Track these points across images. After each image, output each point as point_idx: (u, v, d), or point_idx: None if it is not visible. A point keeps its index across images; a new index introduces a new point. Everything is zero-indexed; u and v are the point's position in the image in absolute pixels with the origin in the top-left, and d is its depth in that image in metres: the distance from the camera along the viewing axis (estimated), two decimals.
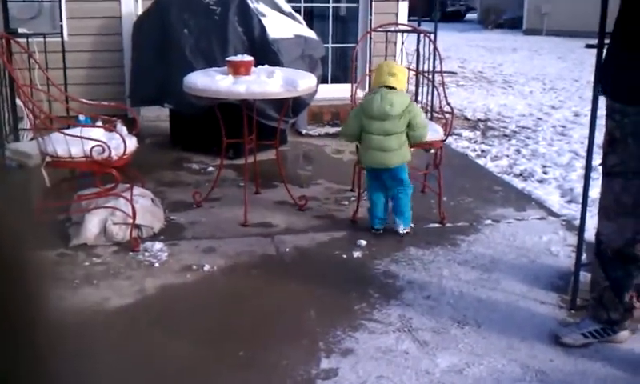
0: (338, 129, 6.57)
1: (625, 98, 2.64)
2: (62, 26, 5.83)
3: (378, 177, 3.99)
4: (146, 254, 3.66)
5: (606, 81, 2.76)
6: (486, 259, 3.74)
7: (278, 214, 4.32)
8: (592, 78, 3.05)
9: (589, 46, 15.29)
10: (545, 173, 5.68)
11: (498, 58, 15.07)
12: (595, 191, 4.96)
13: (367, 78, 6.35)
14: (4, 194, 0.35)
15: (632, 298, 2.89)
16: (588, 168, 3.17)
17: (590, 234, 3.53)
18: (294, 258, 3.73)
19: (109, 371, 2.11)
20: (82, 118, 4.43)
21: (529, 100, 9.41)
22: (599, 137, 6.58)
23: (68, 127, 3.91)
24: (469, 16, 29.92)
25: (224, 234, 4.00)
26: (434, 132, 4.21)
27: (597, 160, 5.57)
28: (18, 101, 5.10)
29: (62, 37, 5.76)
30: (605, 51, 2.80)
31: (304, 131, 6.51)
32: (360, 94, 5.33)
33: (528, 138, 7.00)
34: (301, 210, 4.39)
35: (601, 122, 7.17)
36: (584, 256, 3.29)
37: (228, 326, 2.97)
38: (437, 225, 4.22)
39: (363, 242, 3.88)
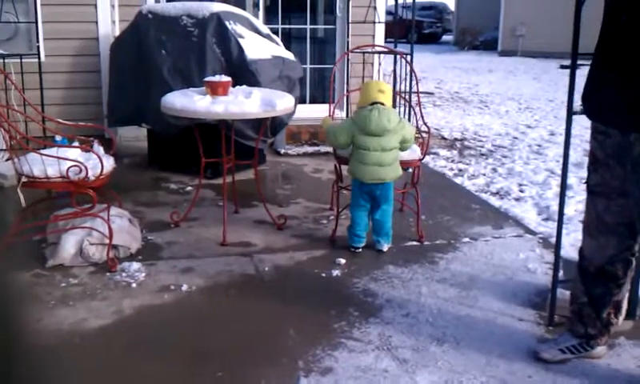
0: (317, 148, 6.61)
1: (605, 118, 2.64)
2: (38, 47, 5.81)
3: (367, 193, 4.00)
4: (124, 274, 3.63)
5: (587, 101, 2.76)
6: (464, 277, 3.76)
7: (257, 233, 4.32)
8: (566, 98, 3.09)
9: (563, 67, 15.55)
10: (521, 191, 5.75)
11: (474, 78, 15.24)
12: (571, 208, 5.06)
13: (345, 98, 6.40)
14: None
15: (610, 315, 2.91)
16: (563, 186, 3.21)
17: (566, 251, 3.58)
18: (273, 277, 3.72)
19: None
20: (58, 138, 4.40)
21: (505, 119, 9.53)
22: (574, 155, 6.67)
23: (44, 147, 3.88)
24: (445, 38, 30.28)
25: (202, 253, 3.98)
26: (411, 151, 4.25)
27: (571, 178, 5.67)
28: None
29: (38, 58, 5.74)
30: (588, 72, 2.82)
31: (282, 151, 6.52)
32: (338, 114, 5.37)
33: (504, 156, 7.07)
34: (280, 229, 4.38)
35: (575, 141, 7.24)
36: (561, 273, 3.32)
37: (206, 347, 2.95)
38: (415, 243, 4.24)
39: (342, 261, 3.89)
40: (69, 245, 3.71)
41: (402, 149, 4.04)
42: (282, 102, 4.20)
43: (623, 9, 2.49)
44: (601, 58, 2.66)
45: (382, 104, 3.94)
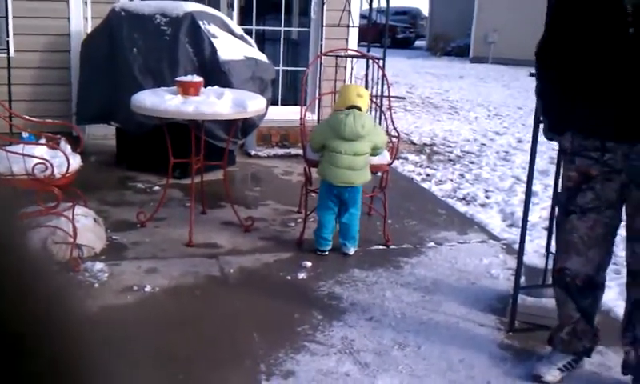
0: (287, 150, 6.62)
1: (604, 133, 2.62)
2: (8, 42, 5.74)
3: (336, 196, 4.03)
4: (86, 274, 3.60)
5: (584, 120, 2.71)
6: (428, 281, 3.80)
7: (223, 235, 4.32)
8: (534, 106, 3.14)
9: (532, 75, 15.75)
10: (487, 197, 5.82)
11: (445, 84, 15.38)
12: (535, 215, 5.14)
13: (317, 101, 6.43)
14: None
15: (597, 323, 2.93)
16: (528, 193, 3.27)
17: (529, 257, 3.64)
18: (239, 279, 3.73)
19: None
20: (25, 135, 4.35)
21: (474, 126, 9.63)
22: (540, 163, 6.77)
23: (10, 144, 3.84)
24: (418, 43, 30.46)
25: (168, 254, 3.98)
26: (381, 156, 4.29)
27: (537, 185, 5.76)
28: None
29: (7, 53, 5.67)
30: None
31: (253, 152, 6.52)
32: (309, 116, 5.38)
33: (472, 162, 7.16)
34: (247, 231, 4.39)
35: (541, 148, 7.37)
36: (522, 279, 3.38)
37: (169, 348, 2.95)
38: (381, 247, 4.28)
39: (308, 264, 3.91)
40: (32, 243, 3.67)
41: (373, 154, 4.08)
42: (254, 104, 4.22)
43: (630, 23, 2.50)
44: (602, 75, 2.62)
45: (359, 109, 3.97)
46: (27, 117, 4.19)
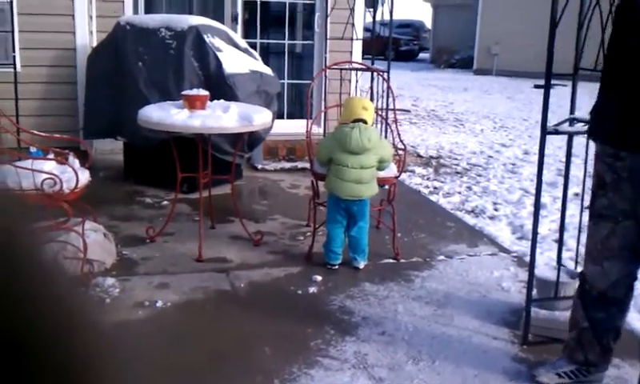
0: (294, 164, 6.62)
1: (617, 141, 2.63)
2: (14, 57, 5.75)
3: (344, 209, 4.01)
4: (97, 289, 3.58)
5: (596, 125, 2.75)
6: (439, 295, 3.77)
7: (233, 249, 4.30)
8: (540, 118, 3.12)
9: (537, 87, 15.74)
10: (496, 210, 5.80)
11: (450, 96, 15.39)
12: (545, 228, 5.11)
13: (322, 114, 6.42)
14: None
15: (609, 341, 2.85)
16: (537, 205, 3.24)
17: (540, 269, 3.61)
18: (249, 293, 3.70)
19: None
20: (33, 150, 4.35)
21: (480, 138, 9.62)
22: (547, 175, 6.74)
23: (19, 159, 3.83)
24: (422, 55, 30.55)
25: (178, 269, 3.95)
26: (387, 169, 4.27)
27: (545, 198, 5.74)
28: None
29: (14, 67, 5.68)
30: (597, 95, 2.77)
31: (260, 166, 6.51)
32: (315, 129, 5.38)
33: (479, 175, 7.14)
34: (256, 245, 4.37)
35: (549, 160, 7.30)
36: (534, 292, 3.35)
37: (181, 363, 2.92)
38: (391, 260, 4.25)
39: (318, 278, 3.88)
40: (51, 255, 3.65)
41: (380, 168, 4.06)
42: (260, 117, 4.21)
43: (633, 33, 2.52)
44: (611, 81, 2.66)
45: (365, 122, 3.96)
46: (35, 131, 4.18)
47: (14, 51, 5.77)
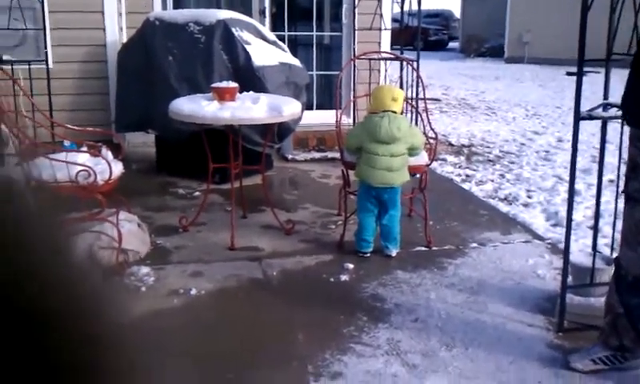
0: (324, 154, 6.62)
1: None
2: (46, 53, 5.83)
3: (375, 197, 4.00)
4: (132, 278, 3.63)
5: (628, 108, 2.72)
6: (472, 282, 3.74)
7: (264, 238, 4.32)
8: (573, 105, 3.07)
9: (569, 74, 15.54)
10: (529, 197, 5.73)
11: (481, 85, 15.24)
12: (579, 214, 5.04)
13: (352, 104, 6.40)
14: None
15: None
16: (571, 191, 3.19)
17: (575, 256, 3.56)
18: (281, 281, 3.72)
19: None
20: (67, 143, 4.41)
21: (512, 126, 9.52)
22: (581, 161, 6.64)
23: (53, 152, 3.89)
24: (451, 45, 30.29)
25: (211, 258, 3.98)
26: (418, 157, 4.24)
27: (579, 184, 5.66)
28: (2, 127, 5.07)
29: (46, 64, 5.76)
30: (627, 79, 2.73)
31: (290, 156, 6.53)
32: (345, 120, 5.37)
33: (512, 162, 7.06)
34: (288, 233, 4.38)
35: (582, 147, 7.18)
36: (570, 278, 3.31)
37: (215, 350, 2.94)
38: (423, 248, 4.23)
39: (350, 266, 3.88)
40: (79, 249, 3.71)
41: (411, 155, 4.04)
42: (289, 108, 4.21)
43: None
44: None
45: (394, 112, 3.95)
46: (68, 125, 4.24)
47: (45, 48, 5.85)
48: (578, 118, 3.07)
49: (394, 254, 4.06)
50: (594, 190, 3.96)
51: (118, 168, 3.80)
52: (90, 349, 0.35)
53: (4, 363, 0.30)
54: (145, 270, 3.71)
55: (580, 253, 4.00)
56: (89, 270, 0.41)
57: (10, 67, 5.23)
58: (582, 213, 5.14)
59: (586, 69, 3.02)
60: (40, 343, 0.32)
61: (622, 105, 2.76)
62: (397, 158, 3.93)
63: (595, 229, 3.56)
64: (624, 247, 2.77)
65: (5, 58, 5.47)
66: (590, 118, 3.17)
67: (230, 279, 3.68)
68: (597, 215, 3.51)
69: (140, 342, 0.41)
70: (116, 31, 6.38)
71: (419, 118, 5.71)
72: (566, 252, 3.24)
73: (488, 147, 7.88)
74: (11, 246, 0.33)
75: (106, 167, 3.67)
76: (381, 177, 3.93)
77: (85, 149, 4.01)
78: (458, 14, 30.99)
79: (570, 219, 3.23)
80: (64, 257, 0.38)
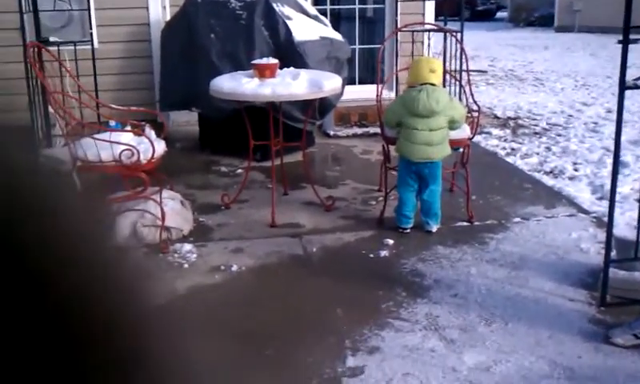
0: (366, 129, 6.59)
1: None
2: (91, 34, 5.93)
3: (415, 172, 3.98)
4: (176, 255, 3.71)
5: None
6: (514, 257, 3.71)
7: (305, 215, 4.35)
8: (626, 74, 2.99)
9: (621, 42, 15.06)
10: (576, 170, 5.61)
11: (529, 55, 14.91)
12: (627, 187, 4.93)
13: (394, 77, 6.35)
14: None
15: None
16: (615, 164, 3.13)
17: (620, 229, 3.49)
18: (321, 257, 3.75)
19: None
20: (112, 123, 4.50)
21: (560, 97, 9.31)
22: (631, 132, 6.47)
23: (98, 132, 3.98)
24: (499, 14, 29.65)
25: (252, 234, 4.04)
26: (461, 130, 4.20)
27: (628, 156, 5.52)
28: (49, 108, 5.20)
29: (92, 44, 5.86)
30: None
31: (331, 132, 6.52)
32: (387, 94, 5.33)
33: (559, 135, 6.92)
34: (328, 210, 4.40)
35: (634, 117, 7.00)
36: (613, 252, 3.25)
37: (255, 325, 3.00)
38: (465, 223, 4.20)
39: (390, 242, 3.88)
40: (123, 227, 3.81)
41: (452, 128, 4.00)
42: (329, 83, 4.21)
43: None
44: None
45: (433, 84, 3.90)
46: (113, 105, 4.32)
47: (90, 28, 5.95)
48: (624, 87, 3.00)
49: (434, 229, 4.04)
50: None
51: (160, 147, 3.86)
52: (133, 338, 0.36)
53: (43, 358, 0.30)
54: (187, 247, 3.79)
55: (626, 226, 3.91)
56: (130, 250, 0.42)
57: (56, 49, 5.33)
58: (631, 185, 5.02)
59: (635, 36, 2.94)
60: (85, 337, 0.32)
61: None
62: (436, 131, 3.89)
63: None
64: None
65: (51, 39, 5.59)
66: (636, 87, 3.09)
67: (271, 256, 3.72)
68: None
69: (179, 321, 0.42)
70: (159, 10, 6.45)
71: (462, 91, 5.64)
72: (609, 225, 3.19)
73: (535, 119, 7.73)
74: (55, 229, 0.35)
75: (149, 146, 3.74)
76: (421, 151, 3.90)
77: (128, 128, 4.10)
78: None
79: (614, 191, 3.17)
80: (105, 240, 0.40)
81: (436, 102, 3.83)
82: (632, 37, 2.98)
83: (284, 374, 2.66)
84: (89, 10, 5.89)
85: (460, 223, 4.21)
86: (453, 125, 3.98)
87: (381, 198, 4.45)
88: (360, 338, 2.87)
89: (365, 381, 2.59)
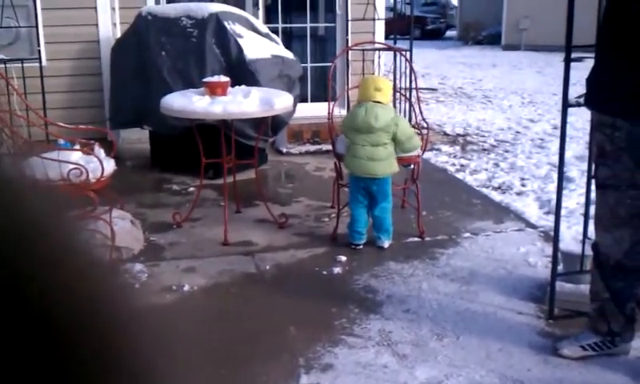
0: (319, 146, 6.63)
1: (613, 111, 2.62)
2: (39, 51, 5.84)
3: (364, 189, 4.02)
4: (126, 275, 3.65)
5: (592, 95, 2.76)
6: (464, 272, 3.77)
7: (258, 233, 4.34)
8: (569, 92, 3.08)
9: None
10: (523, 185, 5.74)
11: (478, 73, 15.22)
12: (573, 201, 5.06)
13: (346, 95, 6.42)
14: None
15: (634, 310, 2.84)
16: (560, 180, 3.21)
17: (567, 243, 3.58)
18: (275, 275, 3.74)
19: None
20: (61, 142, 4.43)
21: (508, 114, 9.52)
22: (577, 148, 6.64)
23: (46, 151, 3.91)
24: (449, 33, 30.20)
25: (204, 253, 4.01)
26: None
27: (574, 171, 5.67)
28: None
29: (40, 62, 5.77)
30: (592, 66, 2.79)
31: (284, 150, 6.54)
32: (338, 111, 5.37)
33: (507, 151, 7.07)
34: (281, 227, 4.40)
35: (578, 133, 7.17)
36: (560, 266, 3.33)
37: (208, 345, 2.97)
38: (416, 239, 4.25)
39: (343, 258, 3.91)
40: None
41: (404, 150, 4.04)
42: (281, 101, 4.23)
43: (633, 0, 2.49)
44: (606, 51, 2.66)
45: (378, 102, 3.95)
46: (61, 124, 4.25)
47: (39, 46, 5.86)
48: (567, 105, 3.09)
49: (386, 245, 4.08)
50: None
51: (110, 165, 3.82)
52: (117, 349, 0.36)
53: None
54: (138, 266, 3.74)
55: (572, 240, 4.01)
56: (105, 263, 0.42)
57: (3, 66, 5.24)
58: (576, 200, 5.15)
59: (580, 55, 3.04)
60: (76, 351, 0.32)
61: (589, 92, 2.78)
62: (378, 147, 3.92)
63: (586, 216, 3.56)
64: (601, 233, 2.82)
65: None
66: (579, 105, 3.18)
67: (224, 274, 3.71)
68: (587, 202, 3.52)
69: (129, 343, 0.41)
70: (109, 27, 6.38)
71: (412, 109, 5.72)
72: (555, 240, 3.27)
73: (483, 136, 7.89)
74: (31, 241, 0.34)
75: (98, 165, 3.69)
76: (363, 167, 3.94)
77: (77, 147, 4.03)
78: (455, 1, 30.90)
79: (559, 207, 3.25)
80: (84, 253, 0.39)
81: (374, 118, 3.87)
82: (575, 55, 3.08)
83: None
84: (37, 26, 5.80)
85: (411, 239, 4.26)
86: (402, 146, 4.01)
87: (333, 215, 4.48)
88: (314, 355, 2.87)
89: None
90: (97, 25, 6.30)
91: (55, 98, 6.00)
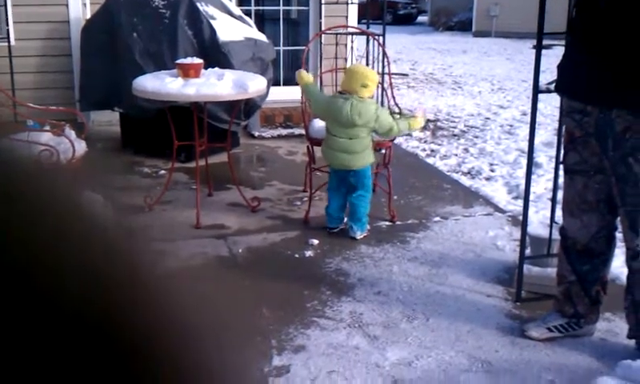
0: (291, 130, 6.63)
1: (585, 97, 2.67)
2: (8, 31, 5.74)
3: (342, 178, 4.03)
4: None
5: (563, 81, 2.81)
6: (434, 255, 3.83)
7: (230, 216, 4.35)
8: (540, 78, 3.13)
9: (535, 47, 15.64)
10: (492, 170, 5.83)
11: (449, 59, 15.31)
12: (541, 186, 5.15)
13: (319, 79, 6.42)
14: None
15: (599, 292, 2.93)
16: (529, 163, 3.27)
17: (534, 227, 3.65)
18: (247, 258, 3.76)
19: None
20: (30, 123, 4.38)
21: (477, 100, 9.61)
22: (545, 134, 6.74)
23: (16, 133, 3.87)
24: (420, 19, 30.27)
25: (176, 236, 4.00)
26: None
27: (542, 157, 5.76)
28: None
29: (8, 42, 5.68)
30: (563, 53, 2.86)
31: (257, 133, 6.53)
32: None
33: (476, 137, 7.15)
34: (253, 211, 4.42)
35: (546, 120, 7.27)
36: (528, 250, 3.40)
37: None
38: (387, 223, 4.30)
39: (315, 242, 3.93)
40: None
41: (384, 135, 4.07)
42: (254, 84, 4.22)
43: None
44: (579, 40, 2.71)
45: (361, 97, 3.90)
46: (31, 104, 4.21)
47: (7, 25, 5.76)
48: (537, 91, 3.14)
49: (357, 236, 4.00)
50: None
51: (81, 147, 3.79)
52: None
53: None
54: None
55: (540, 224, 4.09)
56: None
57: None
58: (544, 185, 5.24)
59: (551, 42, 3.09)
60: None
61: (560, 79, 2.84)
62: (355, 140, 3.90)
63: (553, 200, 3.64)
64: (567, 217, 2.90)
65: None
66: (549, 91, 3.24)
67: (196, 257, 3.71)
68: (555, 187, 3.59)
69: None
70: (79, 7, 6.30)
71: (384, 94, 5.76)
72: (523, 224, 3.34)
73: (453, 122, 7.96)
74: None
75: (69, 146, 3.66)
76: (340, 159, 3.93)
77: (47, 128, 4.00)
78: None
79: (527, 191, 3.31)
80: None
81: (358, 115, 3.83)
82: (545, 42, 3.13)
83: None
84: (5, 6, 5.71)
85: (382, 223, 4.30)
86: (384, 135, 4.05)
87: (306, 199, 4.50)
88: (286, 337, 2.90)
89: (290, 380, 2.62)
90: (67, 5, 6.21)
91: (24, 79, 5.91)
